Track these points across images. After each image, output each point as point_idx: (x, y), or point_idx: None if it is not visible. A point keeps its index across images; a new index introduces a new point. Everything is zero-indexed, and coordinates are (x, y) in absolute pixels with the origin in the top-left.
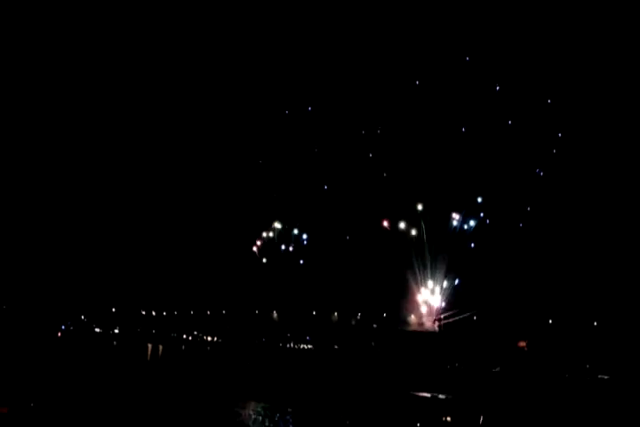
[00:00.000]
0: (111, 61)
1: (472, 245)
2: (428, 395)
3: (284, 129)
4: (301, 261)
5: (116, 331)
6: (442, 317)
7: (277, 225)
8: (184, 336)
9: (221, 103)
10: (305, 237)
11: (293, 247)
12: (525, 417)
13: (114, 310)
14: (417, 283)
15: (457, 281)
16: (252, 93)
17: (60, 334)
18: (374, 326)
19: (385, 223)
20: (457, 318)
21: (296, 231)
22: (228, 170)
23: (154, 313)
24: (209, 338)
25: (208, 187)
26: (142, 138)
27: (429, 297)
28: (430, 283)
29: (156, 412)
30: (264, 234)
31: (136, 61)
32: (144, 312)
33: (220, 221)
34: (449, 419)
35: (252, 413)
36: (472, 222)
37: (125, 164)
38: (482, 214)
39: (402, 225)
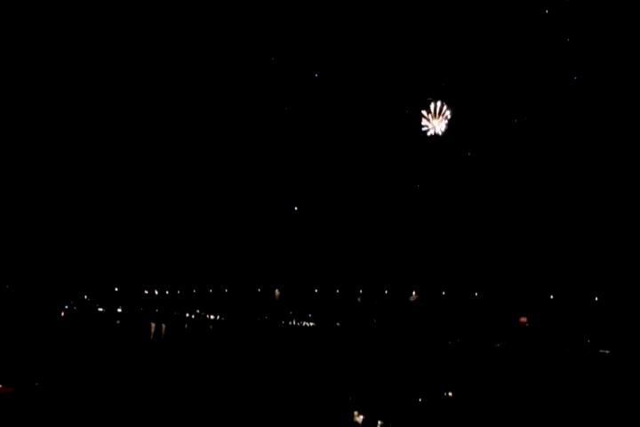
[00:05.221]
0: (109, 61)
1: (472, 219)
2: (430, 371)
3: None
4: (303, 239)
5: (119, 310)
6: (442, 293)
7: (278, 202)
8: (187, 315)
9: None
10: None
11: (295, 223)
12: (526, 392)
13: (116, 289)
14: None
15: (457, 256)
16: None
17: (63, 314)
18: (375, 302)
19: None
20: (456, 294)
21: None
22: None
23: (156, 292)
24: (211, 317)
25: (208, 164)
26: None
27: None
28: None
29: (159, 391)
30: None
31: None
32: (147, 291)
33: (220, 200)
34: (450, 394)
35: (255, 389)
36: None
37: (124, 142)
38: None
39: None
